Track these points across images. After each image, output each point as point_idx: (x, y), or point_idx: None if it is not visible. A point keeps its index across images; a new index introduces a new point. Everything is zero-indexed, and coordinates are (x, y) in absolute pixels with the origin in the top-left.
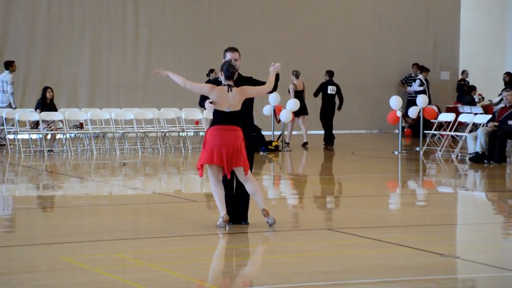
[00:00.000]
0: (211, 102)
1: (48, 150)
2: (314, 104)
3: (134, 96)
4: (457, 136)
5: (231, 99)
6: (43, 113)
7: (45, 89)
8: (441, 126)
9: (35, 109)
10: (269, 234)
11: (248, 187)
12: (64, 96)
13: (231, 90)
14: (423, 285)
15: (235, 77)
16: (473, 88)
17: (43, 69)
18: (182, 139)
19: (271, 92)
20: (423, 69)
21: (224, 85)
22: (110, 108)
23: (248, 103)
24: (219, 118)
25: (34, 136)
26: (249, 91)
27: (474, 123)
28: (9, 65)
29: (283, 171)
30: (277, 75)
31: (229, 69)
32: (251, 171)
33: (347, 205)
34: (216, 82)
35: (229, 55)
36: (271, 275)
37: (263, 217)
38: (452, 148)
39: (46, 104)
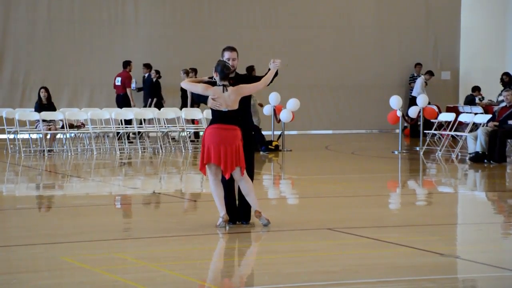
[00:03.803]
0: (213, 98)
1: (48, 150)
2: (313, 104)
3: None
4: (457, 136)
5: (227, 99)
6: (43, 113)
7: (39, 89)
8: (441, 126)
9: (35, 111)
10: (269, 234)
11: (243, 187)
12: (64, 96)
13: (226, 90)
14: (423, 285)
15: (231, 76)
16: (477, 88)
17: (43, 69)
18: (182, 138)
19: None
20: (427, 72)
21: (219, 85)
22: (110, 108)
23: (246, 102)
24: (218, 117)
25: (34, 136)
26: (245, 89)
27: (474, 123)
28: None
29: (283, 171)
30: (276, 72)
31: (224, 70)
32: (252, 171)
33: (347, 205)
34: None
35: (227, 54)
36: (271, 275)
37: (256, 218)
38: (452, 148)
39: (43, 104)
